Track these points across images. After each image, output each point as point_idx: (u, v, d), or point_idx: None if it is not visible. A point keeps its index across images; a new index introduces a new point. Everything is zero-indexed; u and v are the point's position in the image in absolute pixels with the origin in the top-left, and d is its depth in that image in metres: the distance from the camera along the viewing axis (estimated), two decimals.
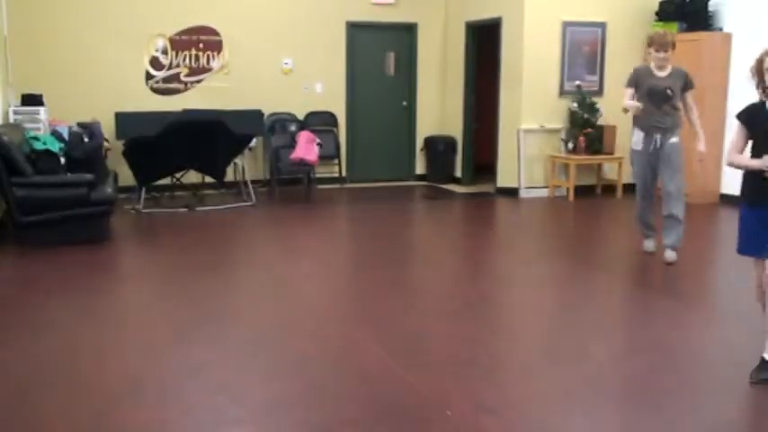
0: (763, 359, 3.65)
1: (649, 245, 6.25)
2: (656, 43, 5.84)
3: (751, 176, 3.70)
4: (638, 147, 5.99)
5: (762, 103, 3.67)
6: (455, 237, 7.74)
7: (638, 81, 5.96)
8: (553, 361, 3.98)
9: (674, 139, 5.86)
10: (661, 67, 5.88)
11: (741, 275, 5.92)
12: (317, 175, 9.48)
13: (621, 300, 5.35)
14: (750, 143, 3.76)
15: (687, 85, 5.89)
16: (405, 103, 10.58)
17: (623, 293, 5.48)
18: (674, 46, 5.84)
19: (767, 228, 3.63)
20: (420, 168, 10.75)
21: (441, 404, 3.39)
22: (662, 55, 5.81)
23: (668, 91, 5.82)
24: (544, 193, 9.44)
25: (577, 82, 9.31)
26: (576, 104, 9.16)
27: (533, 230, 8.05)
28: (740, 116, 3.82)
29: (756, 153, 3.66)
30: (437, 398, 3.46)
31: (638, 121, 5.97)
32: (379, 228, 7.74)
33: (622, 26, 9.24)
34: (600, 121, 9.18)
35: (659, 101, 5.85)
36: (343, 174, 10.15)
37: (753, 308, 4.99)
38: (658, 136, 5.88)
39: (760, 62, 3.61)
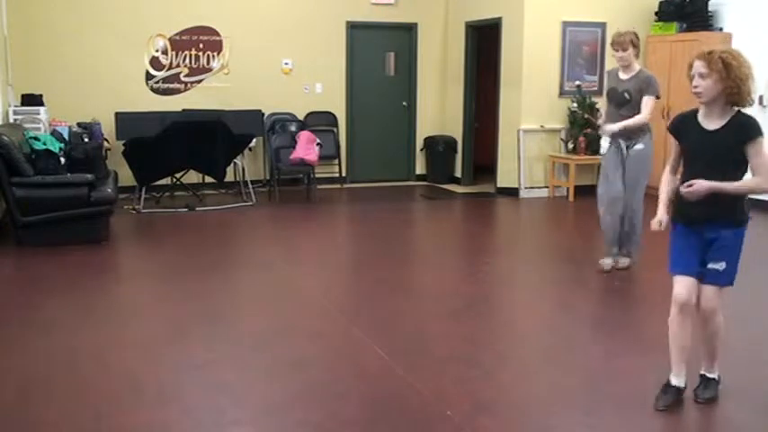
0: (672, 384, 3.44)
1: (606, 261, 5.76)
2: (612, 43, 5.63)
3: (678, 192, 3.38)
4: (603, 151, 5.80)
5: (694, 112, 3.32)
6: (455, 237, 7.74)
7: (607, 84, 5.82)
8: (553, 361, 3.98)
9: (638, 146, 5.56)
10: (624, 69, 5.60)
11: (742, 276, 5.92)
12: (317, 175, 9.47)
13: (621, 299, 5.35)
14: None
15: (645, 89, 5.46)
16: (405, 103, 10.58)
17: (623, 293, 5.47)
18: (634, 45, 5.51)
19: (692, 244, 3.35)
20: (420, 168, 10.75)
21: (441, 404, 3.39)
22: (618, 54, 5.56)
23: (625, 95, 5.54)
24: (544, 193, 9.45)
25: (577, 82, 9.32)
26: (575, 104, 9.16)
27: (533, 230, 8.05)
28: (670, 128, 3.44)
29: (688, 169, 3.32)
30: (437, 398, 3.46)
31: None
32: (379, 228, 7.74)
33: (622, 26, 9.17)
34: (600, 122, 9.17)
35: (618, 105, 5.61)
36: (343, 174, 10.15)
37: (752, 311, 5.00)
38: (621, 142, 5.63)
39: (689, 66, 3.26)
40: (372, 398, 3.48)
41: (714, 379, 3.49)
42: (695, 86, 3.21)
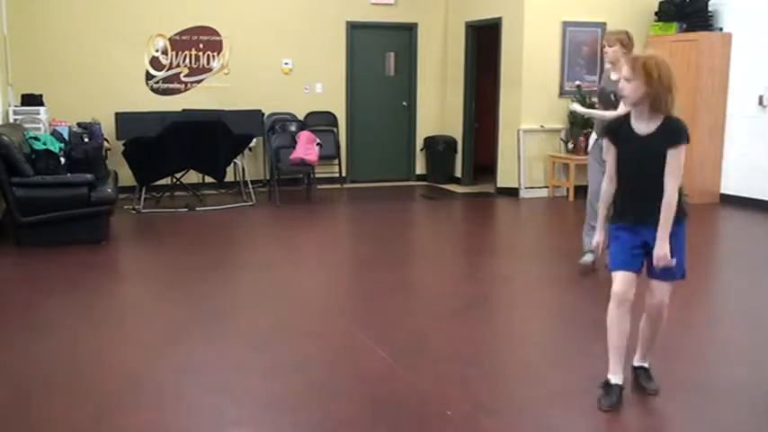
0: (611, 383, 3.46)
1: (588, 258, 5.75)
2: (604, 39, 5.56)
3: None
4: (590, 149, 5.81)
5: (627, 117, 3.39)
6: (455, 237, 7.74)
7: (599, 85, 5.77)
8: (553, 361, 3.98)
9: None
10: (614, 69, 5.42)
11: (741, 275, 5.93)
12: (317, 175, 9.47)
13: None
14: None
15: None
16: (405, 103, 10.58)
17: None
18: (622, 44, 5.37)
19: (633, 242, 3.42)
20: (420, 168, 10.75)
21: (441, 404, 3.39)
22: (605, 50, 5.52)
23: (612, 96, 5.37)
24: (544, 193, 9.44)
25: (577, 82, 9.31)
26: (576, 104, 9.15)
27: (533, 230, 8.05)
28: (606, 132, 3.54)
29: (622, 173, 3.41)
30: (437, 398, 3.46)
31: (596, 127, 5.79)
32: (379, 228, 7.74)
33: (622, 26, 9.06)
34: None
35: (605, 105, 5.48)
36: (344, 174, 10.15)
37: (753, 311, 4.99)
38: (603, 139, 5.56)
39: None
40: (372, 398, 3.47)
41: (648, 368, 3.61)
42: (621, 89, 3.34)
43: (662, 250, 3.29)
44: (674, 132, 3.27)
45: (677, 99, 3.30)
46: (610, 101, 5.48)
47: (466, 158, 10.38)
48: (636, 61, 3.28)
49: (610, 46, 5.49)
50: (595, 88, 9.24)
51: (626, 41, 5.46)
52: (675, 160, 3.25)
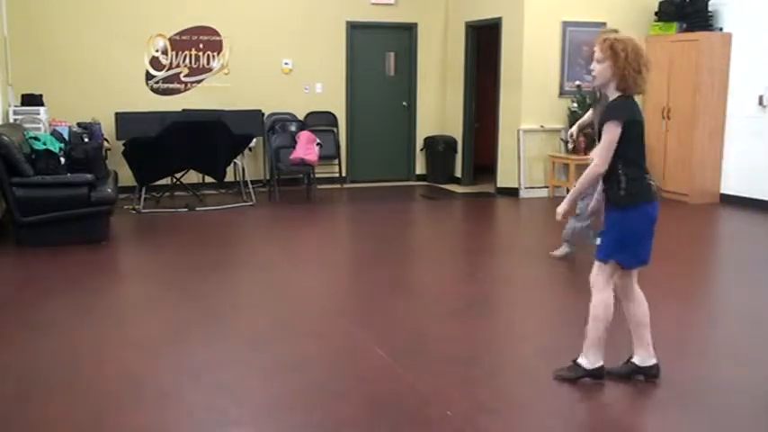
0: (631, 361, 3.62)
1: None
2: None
3: None
4: None
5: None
6: (455, 237, 7.74)
7: None
8: (553, 361, 3.98)
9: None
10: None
11: (741, 275, 5.93)
12: (317, 175, 9.47)
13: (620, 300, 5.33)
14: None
15: None
16: (405, 103, 10.58)
17: None
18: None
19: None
20: (420, 168, 10.75)
21: (441, 404, 3.39)
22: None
23: (597, 92, 5.41)
24: (544, 193, 9.44)
25: (577, 82, 9.31)
26: (576, 104, 9.16)
27: (533, 230, 8.05)
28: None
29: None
30: (437, 398, 3.46)
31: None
32: (379, 228, 7.73)
33: (622, 26, 9.14)
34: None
35: (593, 100, 5.53)
36: (343, 174, 10.15)
37: (754, 308, 4.99)
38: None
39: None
40: (372, 398, 3.47)
41: (578, 364, 3.52)
42: (591, 69, 3.41)
43: (559, 207, 3.47)
44: (607, 109, 3.33)
45: (651, 81, 3.34)
46: (595, 97, 5.56)
47: (466, 158, 10.38)
48: (604, 42, 3.29)
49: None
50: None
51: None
52: (604, 135, 3.27)
